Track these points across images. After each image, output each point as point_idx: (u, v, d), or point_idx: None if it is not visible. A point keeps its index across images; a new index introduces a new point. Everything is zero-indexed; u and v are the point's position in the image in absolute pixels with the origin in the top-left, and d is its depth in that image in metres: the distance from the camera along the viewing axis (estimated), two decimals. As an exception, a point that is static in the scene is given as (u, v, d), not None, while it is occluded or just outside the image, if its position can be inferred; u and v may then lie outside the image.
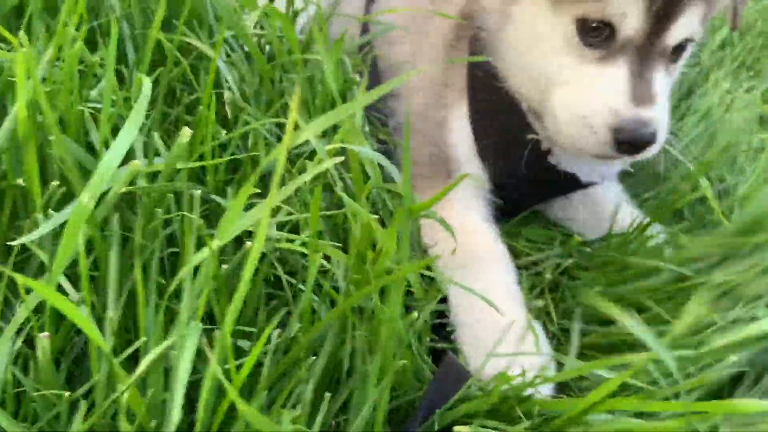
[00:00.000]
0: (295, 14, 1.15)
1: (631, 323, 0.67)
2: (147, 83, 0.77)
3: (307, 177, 0.68)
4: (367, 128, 1.19)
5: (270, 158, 0.66)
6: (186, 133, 0.75)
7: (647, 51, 1.02)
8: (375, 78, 1.31)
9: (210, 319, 0.74)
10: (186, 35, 0.99)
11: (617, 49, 1.01)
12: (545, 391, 0.87)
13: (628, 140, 0.99)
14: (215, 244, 0.65)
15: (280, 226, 0.84)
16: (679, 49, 1.07)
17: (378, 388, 0.70)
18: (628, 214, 1.26)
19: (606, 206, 1.31)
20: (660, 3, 0.99)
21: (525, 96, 1.15)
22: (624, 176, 1.38)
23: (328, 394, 0.69)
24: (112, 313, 0.67)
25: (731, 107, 1.76)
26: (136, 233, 0.72)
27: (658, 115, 1.00)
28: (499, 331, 0.94)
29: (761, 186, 1.53)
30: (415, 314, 0.78)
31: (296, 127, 0.69)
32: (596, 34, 1.02)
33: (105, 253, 0.71)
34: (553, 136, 1.09)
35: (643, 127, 0.98)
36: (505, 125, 1.20)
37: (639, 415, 0.72)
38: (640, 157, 1.05)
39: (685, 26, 1.03)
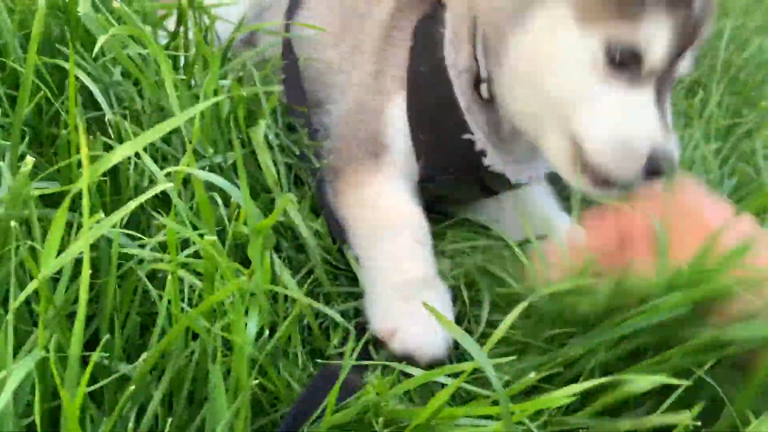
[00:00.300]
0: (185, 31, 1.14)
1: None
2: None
3: (137, 201, 0.68)
4: (275, 138, 1.18)
5: (77, 184, 0.66)
6: (29, 161, 0.75)
7: (664, 79, 1.01)
8: (298, 87, 1.33)
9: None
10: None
11: (644, 75, 0.99)
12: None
13: (658, 169, 0.97)
14: (41, 275, 0.65)
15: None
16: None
17: (230, 409, 0.71)
18: (554, 218, 1.27)
19: (534, 209, 1.31)
20: (687, 32, 0.98)
21: (521, 108, 1.11)
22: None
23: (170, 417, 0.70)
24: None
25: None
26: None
27: (674, 146, 0.99)
28: (399, 287, 0.97)
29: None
30: (267, 333, 0.78)
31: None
32: (624, 58, 0.98)
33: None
34: (553, 156, 1.06)
35: (670, 157, 0.97)
36: (442, 122, 1.20)
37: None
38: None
39: (690, 57, 1.03)
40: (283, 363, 0.84)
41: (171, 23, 1.19)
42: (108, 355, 0.75)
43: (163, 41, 1.18)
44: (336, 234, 1.10)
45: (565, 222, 1.24)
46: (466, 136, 1.17)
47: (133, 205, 0.67)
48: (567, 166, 1.04)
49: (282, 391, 0.81)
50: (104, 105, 0.95)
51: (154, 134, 0.68)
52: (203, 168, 0.99)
